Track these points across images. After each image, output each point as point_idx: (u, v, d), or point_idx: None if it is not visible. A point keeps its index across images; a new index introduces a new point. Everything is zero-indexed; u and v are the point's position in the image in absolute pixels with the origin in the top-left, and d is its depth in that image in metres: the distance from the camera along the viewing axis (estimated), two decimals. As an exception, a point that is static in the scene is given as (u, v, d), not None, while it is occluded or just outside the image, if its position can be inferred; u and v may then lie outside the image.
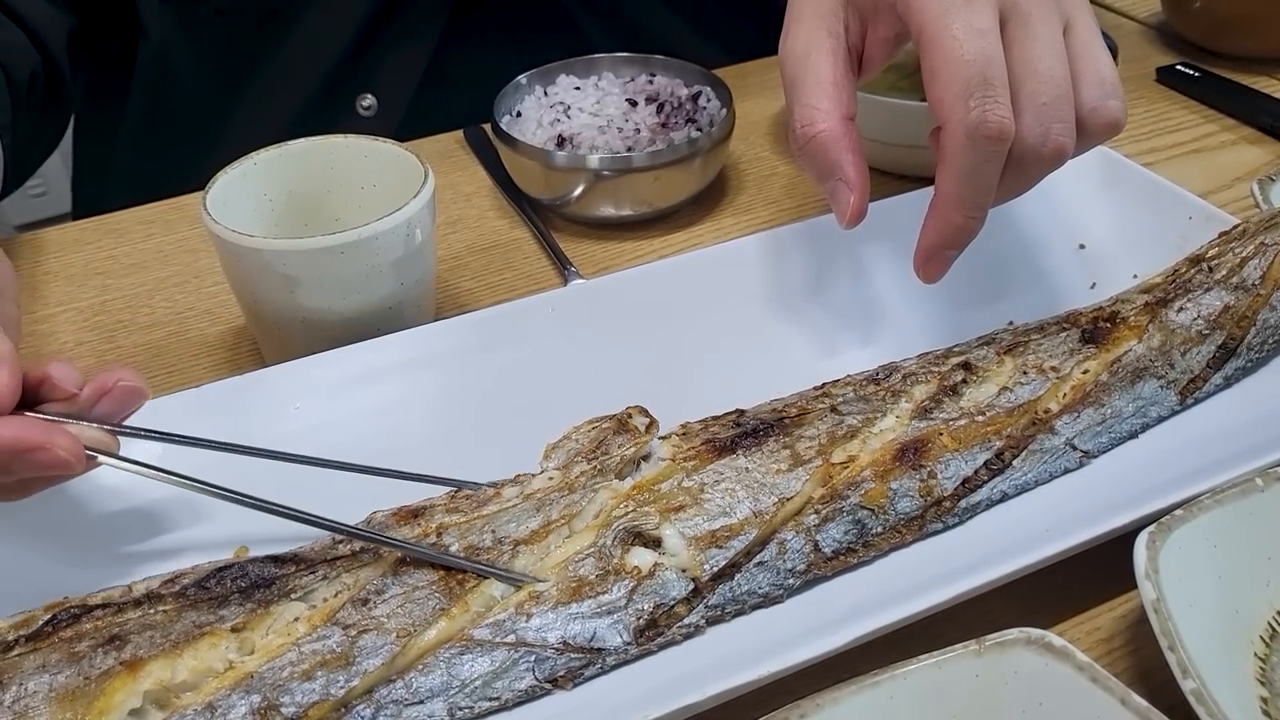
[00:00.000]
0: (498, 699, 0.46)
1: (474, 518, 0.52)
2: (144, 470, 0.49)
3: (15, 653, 0.46)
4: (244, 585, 0.49)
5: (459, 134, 0.92)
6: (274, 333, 0.66)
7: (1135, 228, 0.73)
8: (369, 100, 0.95)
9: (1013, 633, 0.45)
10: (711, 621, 0.50)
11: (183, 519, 0.56)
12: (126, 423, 0.51)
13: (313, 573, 0.49)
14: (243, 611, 0.48)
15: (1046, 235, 0.74)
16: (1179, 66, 0.97)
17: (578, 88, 0.84)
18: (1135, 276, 0.70)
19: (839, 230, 0.71)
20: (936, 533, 0.54)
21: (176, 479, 0.49)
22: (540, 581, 0.49)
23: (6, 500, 0.48)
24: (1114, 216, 0.74)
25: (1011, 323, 0.67)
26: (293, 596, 0.48)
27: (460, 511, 0.52)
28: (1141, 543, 0.47)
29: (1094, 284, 0.71)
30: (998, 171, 0.55)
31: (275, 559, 0.50)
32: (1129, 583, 0.47)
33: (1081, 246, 0.73)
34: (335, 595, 0.49)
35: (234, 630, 0.47)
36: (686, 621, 0.49)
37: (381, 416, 0.60)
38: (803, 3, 0.61)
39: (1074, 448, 0.58)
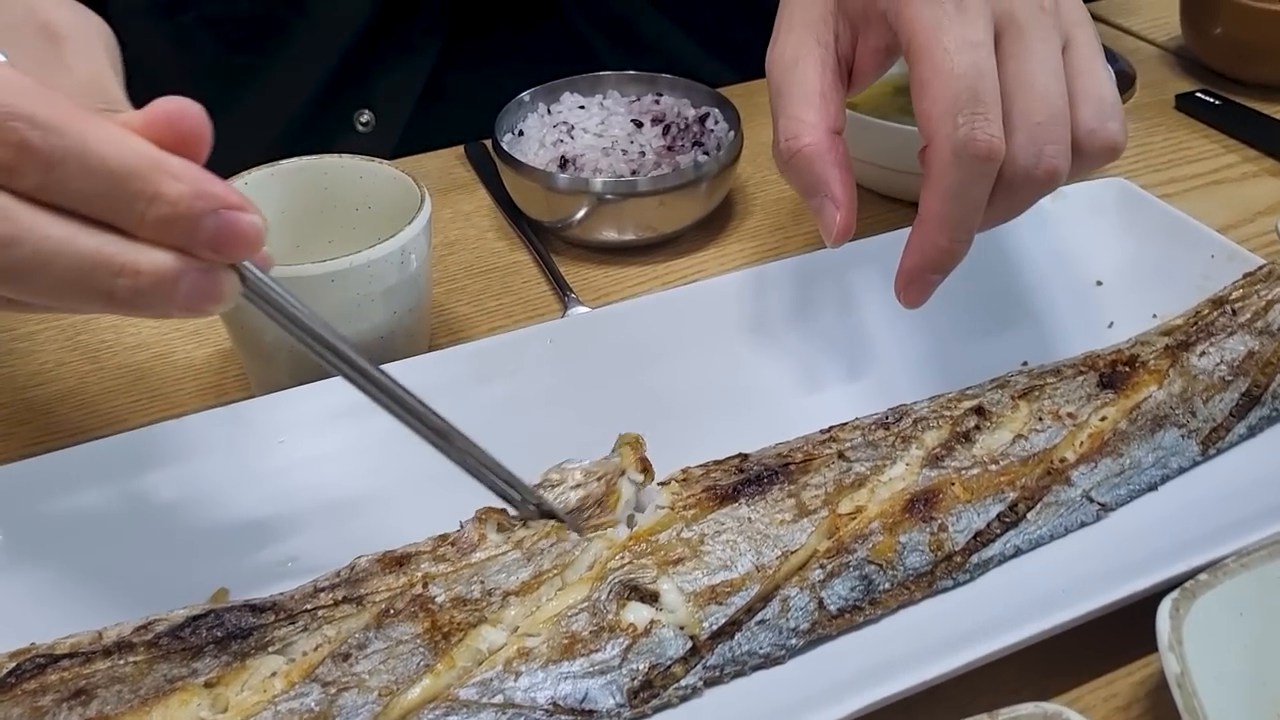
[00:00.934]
0: (482, 765, 0.44)
1: (460, 567, 0.50)
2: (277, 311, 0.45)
3: (-25, 706, 0.44)
4: (220, 635, 0.46)
5: (460, 149, 0.89)
6: (261, 361, 0.64)
7: (1154, 264, 0.70)
8: (366, 116, 0.93)
9: (1027, 708, 0.43)
10: (709, 683, 0.48)
11: (160, 557, 0.54)
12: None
13: (292, 623, 0.47)
14: (218, 665, 0.45)
15: (1061, 270, 0.72)
16: (1199, 94, 0.95)
17: (582, 106, 0.81)
18: (1155, 316, 0.67)
19: (851, 262, 0.69)
20: (947, 589, 0.52)
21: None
22: (533, 635, 0.47)
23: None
24: (1132, 252, 0.72)
25: (1025, 363, 0.65)
26: (270, 649, 0.46)
27: (446, 560, 0.50)
28: (1164, 611, 0.45)
29: (1111, 323, 0.68)
30: (985, 192, 0.52)
31: (254, 607, 0.48)
32: (1147, 646, 0.45)
33: (1098, 283, 0.71)
34: (315, 649, 0.46)
35: (208, 685, 0.45)
36: (683, 683, 0.47)
37: (370, 451, 0.58)
38: (793, 10, 0.59)
39: (1091, 500, 0.55)
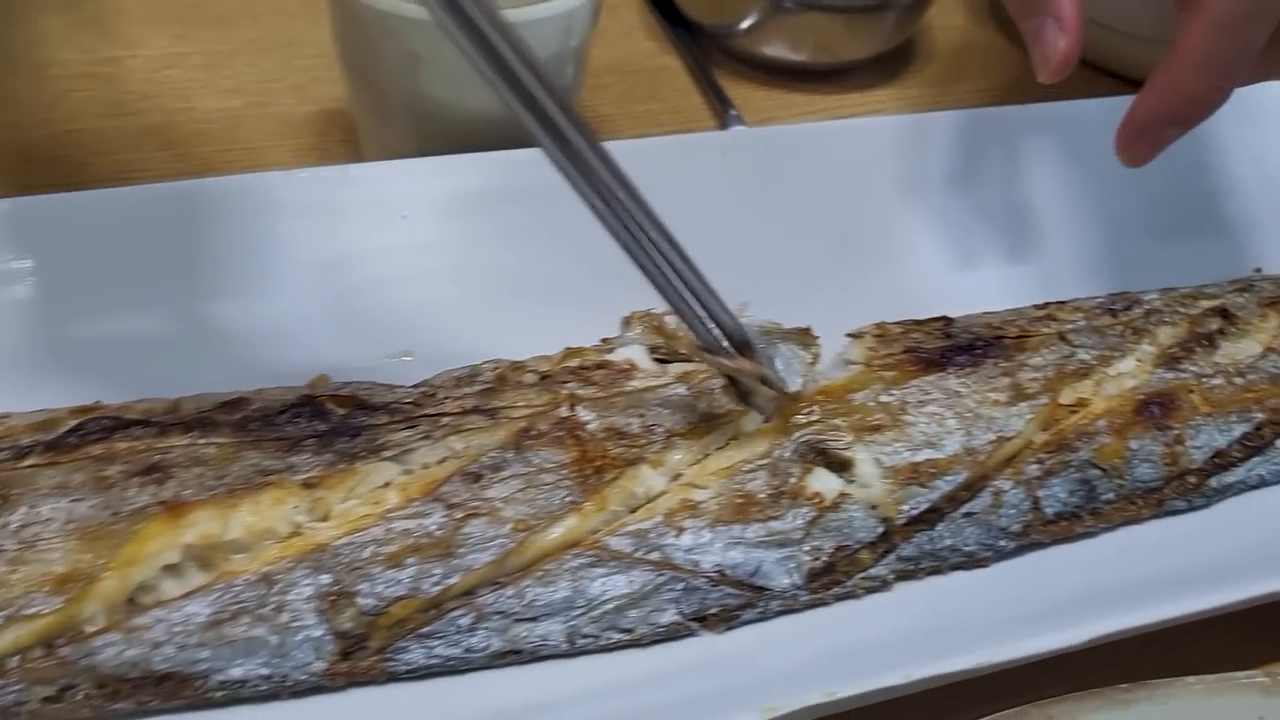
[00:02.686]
0: (630, 631, 0.36)
1: (613, 394, 0.41)
2: None
3: (29, 462, 0.36)
4: (322, 430, 0.38)
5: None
6: (381, 123, 0.54)
7: None
8: None
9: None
10: (900, 576, 0.40)
11: (245, 325, 0.45)
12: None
13: (411, 428, 0.39)
14: (319, 464, 0.37)
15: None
16: None
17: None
18: None
19: (1049, 126, 0.59)
20: (1178, 512, 0.44)
21: None
22: (701, 487, 0.39)
23: None
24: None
25: (1259, 270, 0.55)
26: (384, 454, 0.38)
27: (595, 384, 0.41)
28: None
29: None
30: (1269, 30, 0.42)
31: (364, 404, 0.39)
32: None
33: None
34: (440, 463, 0.38)
35: (306, 486, 0.37)
36: (871, 572, 0.39)
37: (498, 247, 0.48)
38: None
39: (1350, 437, 0.47)
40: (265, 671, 0.34)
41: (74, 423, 0.37)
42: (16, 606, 0.32)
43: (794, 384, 0.40)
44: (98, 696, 0.33)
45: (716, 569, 0.37)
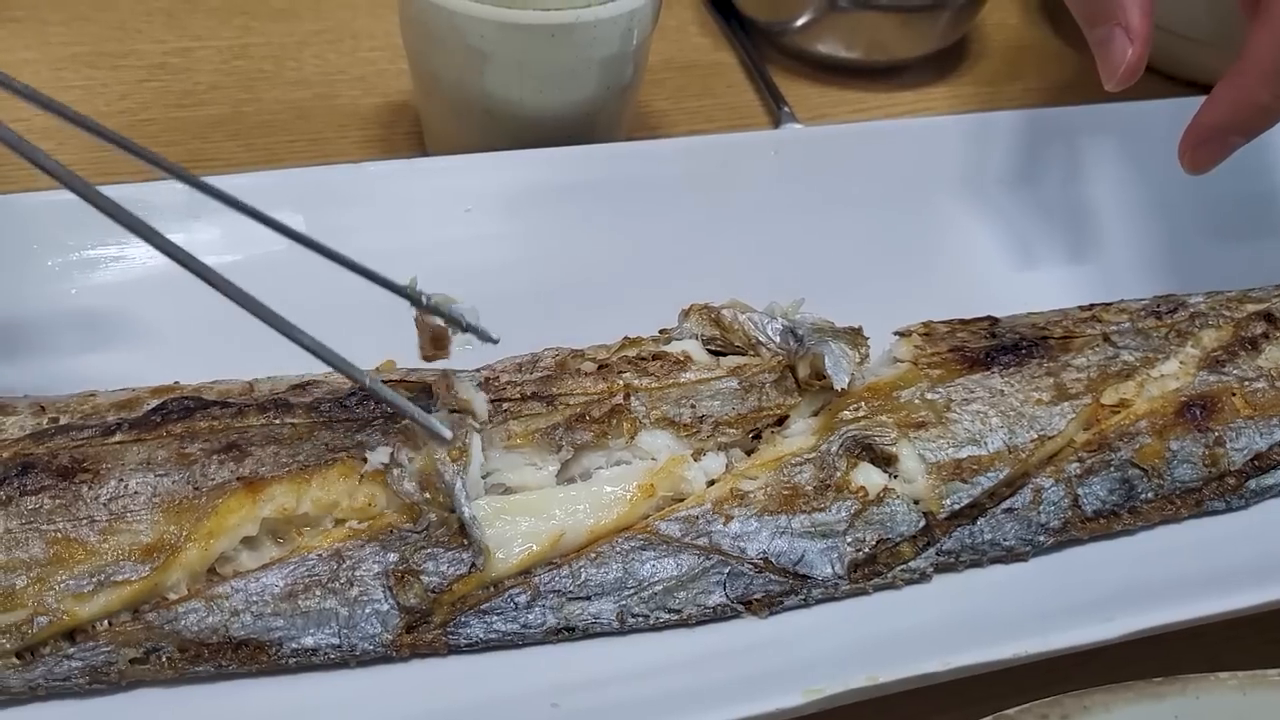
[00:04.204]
0: (679, 612, 0.38)
1: (667, 385, 0.43)
2: None
3: (116, 439, 0.38)
4: (390, 412, 0.40)
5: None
6: (445, 117, 0.56)
7: None
8: None
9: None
10: (940, 569, 0.41)
11: (315, 314, 0.47)
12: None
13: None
14: (386, 444, 0.39)
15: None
16: None
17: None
18: None
19: (1103, 128, 0.60)
20: (1216, 512, 0.44)
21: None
22: (750, 478, 0.40)
23: None
24: None
25: (1300, 276, 0.56)
26: (448, 437, 0.40)
27: (650, 375, 0.43)
28: None
29: None
30: None
31: (429, 387, 0.41)
32: None
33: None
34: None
35: (374, 465, 0.39)
36: (911, 565, 0.40)
37: (559, 239, 0.51)
38: None
39: (1390, 443, 0.47)
40: (335, 641, 0.36)
41: (155, 402, 0.40)
42: (107, 573, 0.35)
43: (842, 381, 0.41)
44: (180, 659, 0.35)
45: (761, 556, 0.39)
